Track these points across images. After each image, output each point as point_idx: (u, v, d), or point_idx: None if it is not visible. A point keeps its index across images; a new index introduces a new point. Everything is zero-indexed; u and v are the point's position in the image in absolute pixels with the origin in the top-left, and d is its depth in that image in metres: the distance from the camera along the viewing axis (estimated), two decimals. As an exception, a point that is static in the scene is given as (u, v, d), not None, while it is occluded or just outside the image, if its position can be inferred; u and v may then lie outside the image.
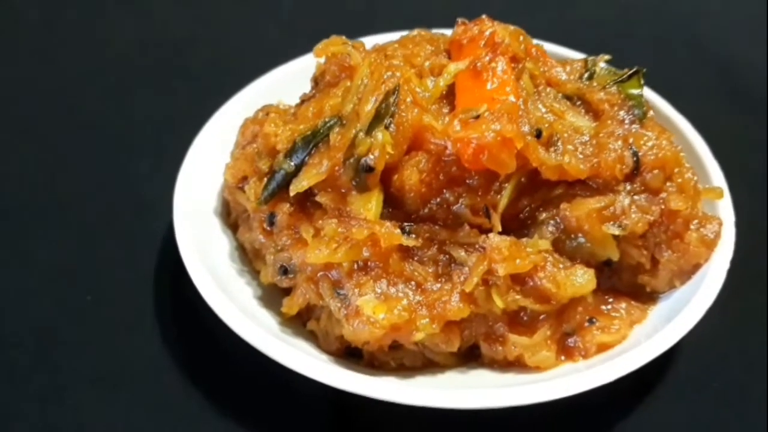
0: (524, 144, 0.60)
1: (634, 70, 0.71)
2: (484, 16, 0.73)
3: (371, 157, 0.60)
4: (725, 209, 0.70)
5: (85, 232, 0.82)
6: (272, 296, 0.70)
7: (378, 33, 0.89)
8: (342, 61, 0.70)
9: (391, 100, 0.62)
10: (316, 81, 0.75)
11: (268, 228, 0.68)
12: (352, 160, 0.60)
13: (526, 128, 0.62)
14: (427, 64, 0.69)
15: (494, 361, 0.65)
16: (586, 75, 0.72)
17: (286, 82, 0.88)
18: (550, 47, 0.88)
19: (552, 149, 0.62)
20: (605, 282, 0.67)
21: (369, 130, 0.61)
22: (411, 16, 1.00)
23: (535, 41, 0.74)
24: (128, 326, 0.72)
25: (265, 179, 0.68)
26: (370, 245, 0.61)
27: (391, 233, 0.61)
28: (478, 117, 0.59)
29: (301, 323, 0.68)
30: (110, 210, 0.84)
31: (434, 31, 0.81)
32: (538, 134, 0.63)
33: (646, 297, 0.68)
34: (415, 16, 0.90)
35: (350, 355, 0.65)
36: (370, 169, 0.60)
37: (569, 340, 0.64)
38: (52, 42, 1.07)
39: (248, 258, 0.74)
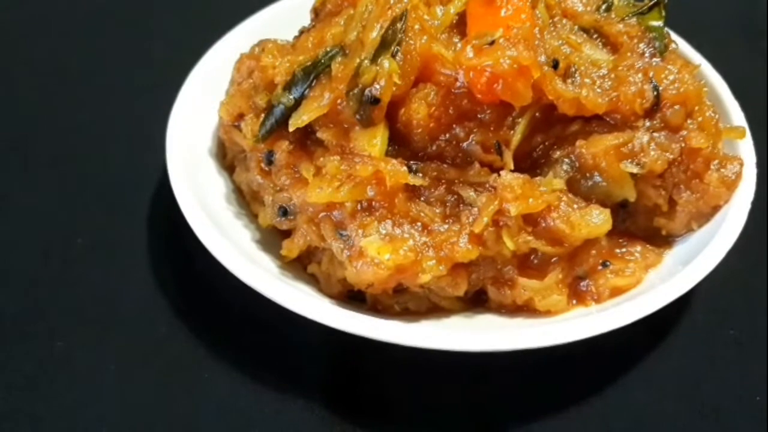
0: (541, 74, 0.56)
1: (656, 0, 0.66)
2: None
3: (377, 87, 0.56)
4: (746, 150, 0.66)
5: (75, 173, 0.78)
6: (271, 239, 0.67)
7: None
8: (344, -13, 0.66)
9: (399, 26, 0.58)
10: (317, 12, 0.71)
11: (266, 167, 0.65)
12: (356, 91, 0.57)
13: (542, 58, 0.58)
14: (435, -7, 0.65)
15: (502, 306, 0.63)
16: (603, 6, 0.67)
17: (285, 18, 0.83)
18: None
19: (569, 81, 0.58)
20: (620, 225, 0.64)
21: (374, 59, 0.57)
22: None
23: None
24: (121, 269, 0.70)
25: (263, 115, 0.65)
26: (375, 184, 0.58)
27: (397, 171, 0.57)
28: (492, 43, 0.55)
29: (302, 267, 0.65)
30: (103, 149, 0.81)
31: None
32: (555, 65, 0.59)
33: (662, 240, 0.65)
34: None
35: (353, 298, 0.62)
36: (375, 101, 0.56)
37: (581, 283, 0.62)
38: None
39: (246, 201, 0.71)
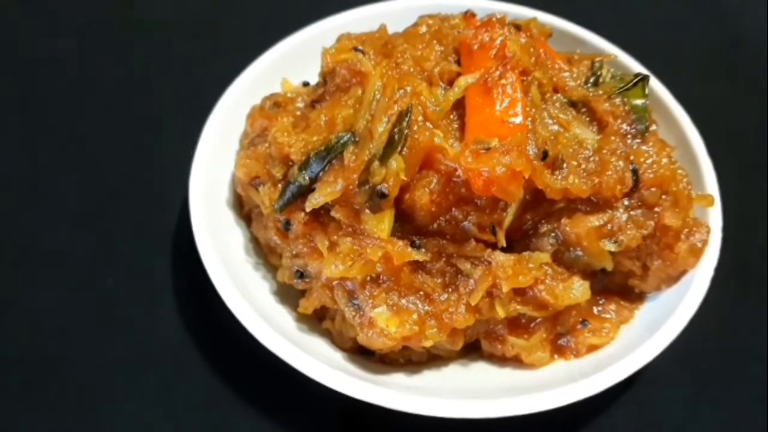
0: (532, 170, 0.63)
1: (640, 77, 0.72)
2: (494, 19, 0.73)
3: (386, 185, 0.63)
4: (714, 213, 0.74)
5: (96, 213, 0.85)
6: (288, 291, 0.75)
7: None
8: (352, 66, 0.71)
9: (404, 123, 0.64)
10: (325, 78, 0.76)
11: (284, 231, 0.72)
12: (367, 187, 0.63)
13: (532, 149, 0.65)
14: (436, 69, 0.70)
15: (493, 355, 0.72)
16: (592, 80, 0.73)
17: (288, 59, 0.88)
18: (553, 20, 0.89)
19: (557, 173, 0.65)
20: (598, 284, 0.72)
21: (383, 157, 0.63)
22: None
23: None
24: (142, 321, 0.77)
25: (280, 185, 0.71)
26: (383, 261, 0.65)
27: (403, 252, 0.65)
28: (489, 149, 0.61)
29: (316, 318, 0.74)
30: (123, 196, 0.87)
31: (442, 15, 0.81)
32: (545, 155, 0.65)
33: (635, 296, 0.73)
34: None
35: (363, 352, 0.71)
36: (384, 195, 0.63)
37: (562, 339, 0.71)
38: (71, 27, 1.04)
39: (263, 251, 0.78)
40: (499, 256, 0.65)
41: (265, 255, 0.78)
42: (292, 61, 0.89)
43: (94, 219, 0.85)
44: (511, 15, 0.88)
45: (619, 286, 0.73)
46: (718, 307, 0.72)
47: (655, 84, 0.85)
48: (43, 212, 0.85)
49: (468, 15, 0.77)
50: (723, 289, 0.72)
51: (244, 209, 0.80)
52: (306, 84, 0.86)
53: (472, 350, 0.73)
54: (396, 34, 0.78)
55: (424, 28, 0.76)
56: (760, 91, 1.01)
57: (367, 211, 0.66)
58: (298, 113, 0.76)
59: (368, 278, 0.66)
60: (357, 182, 0.64)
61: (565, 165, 0.65)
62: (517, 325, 0.70)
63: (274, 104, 0.80)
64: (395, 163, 0.62)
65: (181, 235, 0.81)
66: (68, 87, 0.97)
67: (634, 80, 0.72)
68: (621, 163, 0.67)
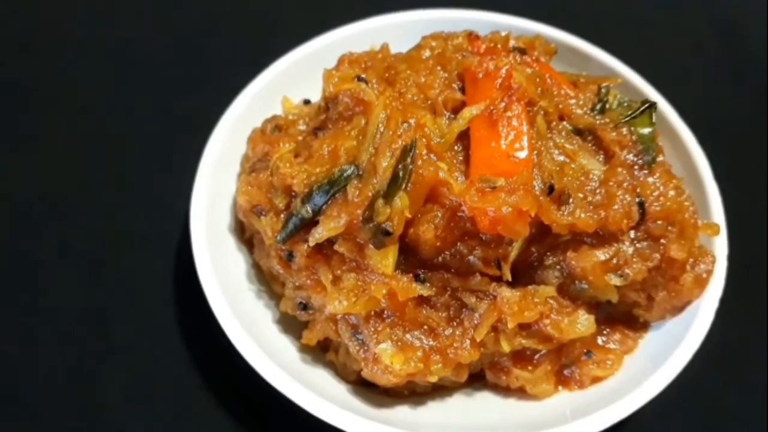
0: (538, 206, 0.62)
1: (647, 105, 0.71)
2: (499, 45, 0.71)
3: (390, 224, 0.62)
4: (720, 241, 0.73)
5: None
6: (291, 320, 0.74)
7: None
8: (355, 94, 0.69)
9: (408, 160, 0.63)
10: (327, 104, 0.75)
11: (287, 262, 0.71)
12: (371, 225, 0.62)
13: (538, 184, 0.64)
14: (441, 98, 0.69)
15: (498, 385, 0.71)
16: (599, 106, 0.72)
17: (288, 76, 0.87)
18: (557, 34, 0.88)
19: (563, 208, 0.64)
20: (602, 313, 0.72)
21: (387, 195, 0.62)
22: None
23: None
24: (141, 349, 0.77)
25: (282, 216, 0.70)
26: (387, 297, 0.65)
27: (408, 288, 0.64)
28: (494, 187, 0.60)
29: (320, 348, 0.73)
30: (123, 217, 0.86)
31: (444, 33, 0.79)
32: (550, 190, 0.64)
33: (639, 325, 0.73)
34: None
35: (367, 384, 0.71)
36: (388, 234, 0.62)
37: (567, 370, 0.71)
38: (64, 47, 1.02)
39: (265, 278, 0.77)
40: (505, 292, 0.65)
41: (267, 282, 0.77)
42: (292, 78, 0.87)
43: (93, 241, 0.84)
44: (515, 29, 0.87)
45: (623, 315, 0.73)
46: (722, 336, 0.71)
47: (661, 102, 0.84)
48: (43, 237, 0.84)
49: (472, 37, 0.75)
50: (727, 319, 0.71)
51: (245, 234, 0.79)
52: (307, 102, 0.85)
53: (476, 379, 0.73)
54: (399, 56, 0.77)
55: (427, 52, 0.75)
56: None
57: (371, 246, 0.65)
58: (300, 138, 0.75)
59: (372, 312, 0.66)
60: (361, 218, 0.63)
61: (571, 199, 0.65)
62: (521, 356, 0.69)
63: (276, 127, 0.79)
64: (400, 201, 0.61)
65: (182, 261, 0.81)
66: (67, 106, 0.95)
67: (642, 108, 0.71)
68: (627, 197, 0.66)
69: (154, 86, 0.98)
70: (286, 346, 0.73)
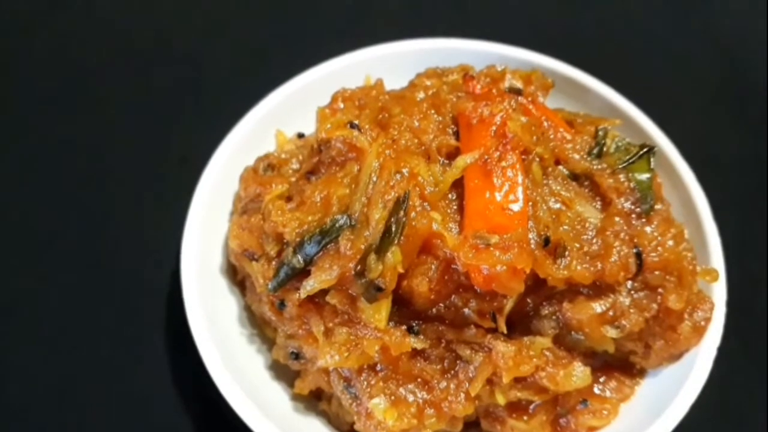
0: (533, 260, 0.61)
1: (645, 150, 0.70)
2: (495, 90, 0.70)
3: (382, 280, 0.61)
4: (719, 287, 0.72)
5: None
6: (284, 366, 0.73)
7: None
8: (348, 140, 0.68)
9: (401, 213, 0.62)
10: (320, 146, 0.73)
11: (279, 309, 0.70)
12: (363, 281, 0.61)
13: (533, 236, 0.63)
14: (434, 144, 0.68)
15: (492, 434, 0.71)
16: (596, 150, 0.71)
17: (281, 110, 0.86)
18: (554, 65, 0.86)
19: (559, 261, 0.63)
20: (598, 360, 0.71)
21: (380, 249, 0.61)
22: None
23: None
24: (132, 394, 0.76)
25: (274, 263, 0.69)
26: (381, 351, 0.64)
27: (401, 342, 0.63)
28: (488, 244, 0.59)
29: (314, 397, 0.72)
30: (116, 249, 0.85)
31: (439, 70, 0.78)
32: (546, 242, 0.63)
33: (636, 372, 0.72)
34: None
35: (360, 434, 0.70)
36: (380, 290, 0.61)
37: (562, 419, 0.70)
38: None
39: (257, 321, 0.76)
40: (500, 345, 0.64)
41: (259, 326, 0.76)
42: (286, 111, 0.86)
43: (83, 278, 0.83)
44: (511, 60, 0.85)
45: (619, 361, 0.72)
46: (720, 382, 0.70)
47: (660, 137, 0.82)
48: (34, 278, 0.83)
49: (467, 77, 0.74)
50: (725, 366, 0.70)
51: (238, 275, 0.78)
52: (301, 135, 0.83)
53: (471, 426, 0.72)
54: (393, 95, 0.75)
55: (421, 93, 0.74)
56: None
57: (364, 299, 0.64)
58: (293, 179, 0.74)
59: (365, 365, 0.65)
60: (353, 271, 0.62)
61: (567, 251, 0.63)
62: (516, 406, 0.68)
63: (268, 166, 0.78)
64: (392, 256, 0.60)
65: (172, 304, 0.80)
66: (58, 142, 0.94)
67: (640, 153, 0.69)
68: (625, 248, 0.65)
69: (146, 121, 0.96)
70: (278, 394, 0.72)
